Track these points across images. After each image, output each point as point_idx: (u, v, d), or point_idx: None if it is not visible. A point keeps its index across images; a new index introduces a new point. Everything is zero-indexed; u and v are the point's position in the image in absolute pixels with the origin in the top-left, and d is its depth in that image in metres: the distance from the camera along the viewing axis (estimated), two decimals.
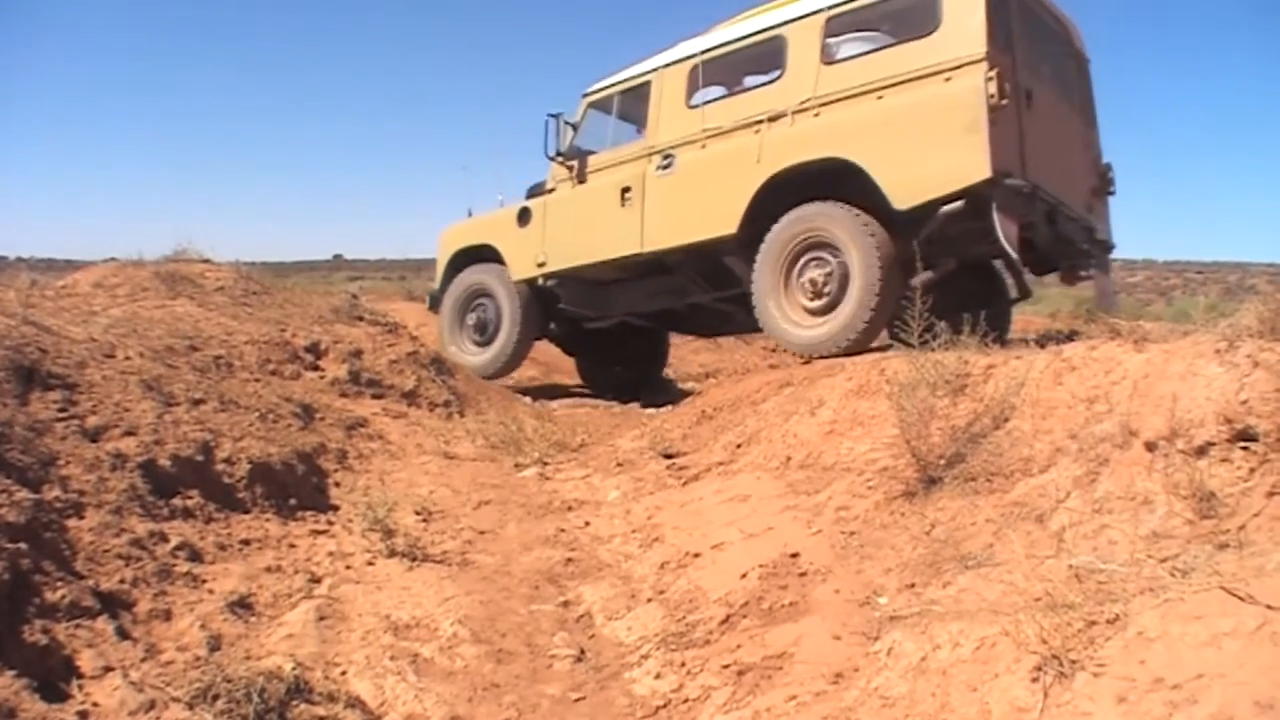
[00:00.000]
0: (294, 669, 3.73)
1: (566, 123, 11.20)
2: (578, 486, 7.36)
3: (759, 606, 4.44)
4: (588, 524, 6.40)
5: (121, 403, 5.66)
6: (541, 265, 11.18)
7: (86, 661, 3.57)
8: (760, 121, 9.23)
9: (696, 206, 9.64)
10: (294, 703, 3.58)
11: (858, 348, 8.35)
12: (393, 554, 5.50)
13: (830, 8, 9.03)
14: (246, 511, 5.65)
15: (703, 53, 10.10)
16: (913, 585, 4.18)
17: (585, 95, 11.20)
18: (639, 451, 7.91)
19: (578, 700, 4.18)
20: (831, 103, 8.80)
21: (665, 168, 9.99)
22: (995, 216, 7.76)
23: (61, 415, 5.22)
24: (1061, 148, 9.08)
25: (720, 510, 5.88)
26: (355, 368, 9.47)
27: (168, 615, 4.24)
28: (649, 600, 5.05)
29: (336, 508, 6.28)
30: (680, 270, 10.35)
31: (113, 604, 4.06)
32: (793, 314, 8.97)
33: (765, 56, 9.65)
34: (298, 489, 6.16)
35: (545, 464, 8.03)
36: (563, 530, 6.29)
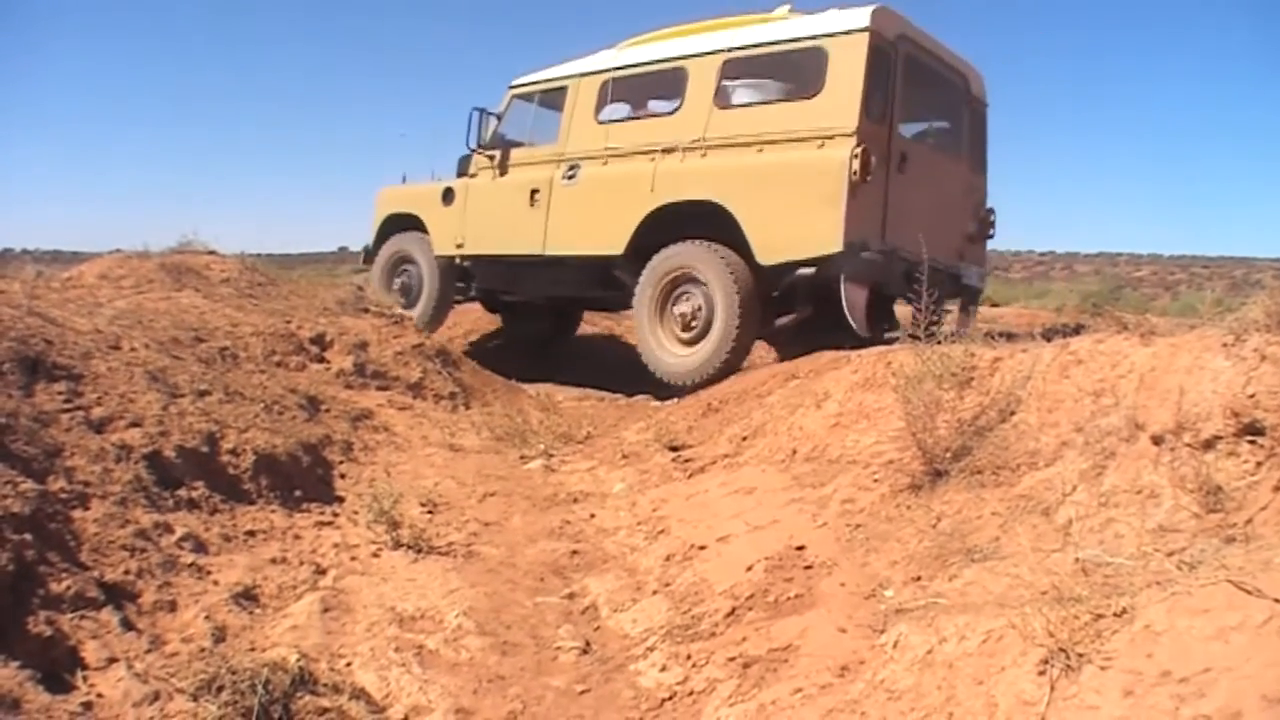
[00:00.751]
0: (299, 660, 3.73)
1: (491, 114, 11.87)
2: (583, 478, 7.36)
3: (764, 599, 4.44)
4: (593, 516, 6.40)
5: (127, 394, 5.66)
6: (460, 247, 11.94)
7: (91, 652, 3.57)
8: (656, 151, 9.91)
9: (592, 222, 10.41)
10: (299, 694, 3.57)
11: (720, 376, 9.16)
12: (398, 545, 5.50)
13: (728, 50, 9.72)
14: (252, 503, 5.66)
15: (614, 69, 10.76)
16: (919, 578, 4.17)
17: (511, 87, 11.88)
18: (644, 444, 7.91)
19: (583, 692, 4.17)
20: (718, 147, 9.49)
21: (570, 178, 10.69)
22: (843, 286, 8.58)
23: (67, 406, 5.23)
24: (934, 204, 9.67)
25: (726, 503, 5.87)
26: (360, 359, 9.48)
27: (172, 606, 4.24)
28: (654, 593, 5.04)
29: (342, 499, 6.29)
30: (578, 271, 10.96)
31: (117, 595, 4.06)
32: (667, 343, 9.83)
33: (668, 84, 10.30)
34: (303, 480, 6.16)
35: (551, 456, 8.03)
36: (568, 522, 6.29)
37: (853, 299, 8.60)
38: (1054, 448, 4.49)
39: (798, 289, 9.13)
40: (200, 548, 4.87)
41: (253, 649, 4.04)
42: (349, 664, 4.12)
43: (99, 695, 3.36)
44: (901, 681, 3.30)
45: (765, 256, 8.99)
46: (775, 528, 5.20)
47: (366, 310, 10.88)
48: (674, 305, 9.74)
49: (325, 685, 3.72)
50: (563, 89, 11.18)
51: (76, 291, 8.61)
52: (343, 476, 6.69)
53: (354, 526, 5.79)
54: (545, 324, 14.10)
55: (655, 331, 9.86)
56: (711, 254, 9.28)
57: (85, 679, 3.41)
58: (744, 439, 7.02)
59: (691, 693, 4.01)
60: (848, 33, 8.87)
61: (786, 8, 10.26)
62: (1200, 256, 56.56)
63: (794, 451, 6.29)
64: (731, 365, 9.28)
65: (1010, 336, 7.24)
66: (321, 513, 5.96)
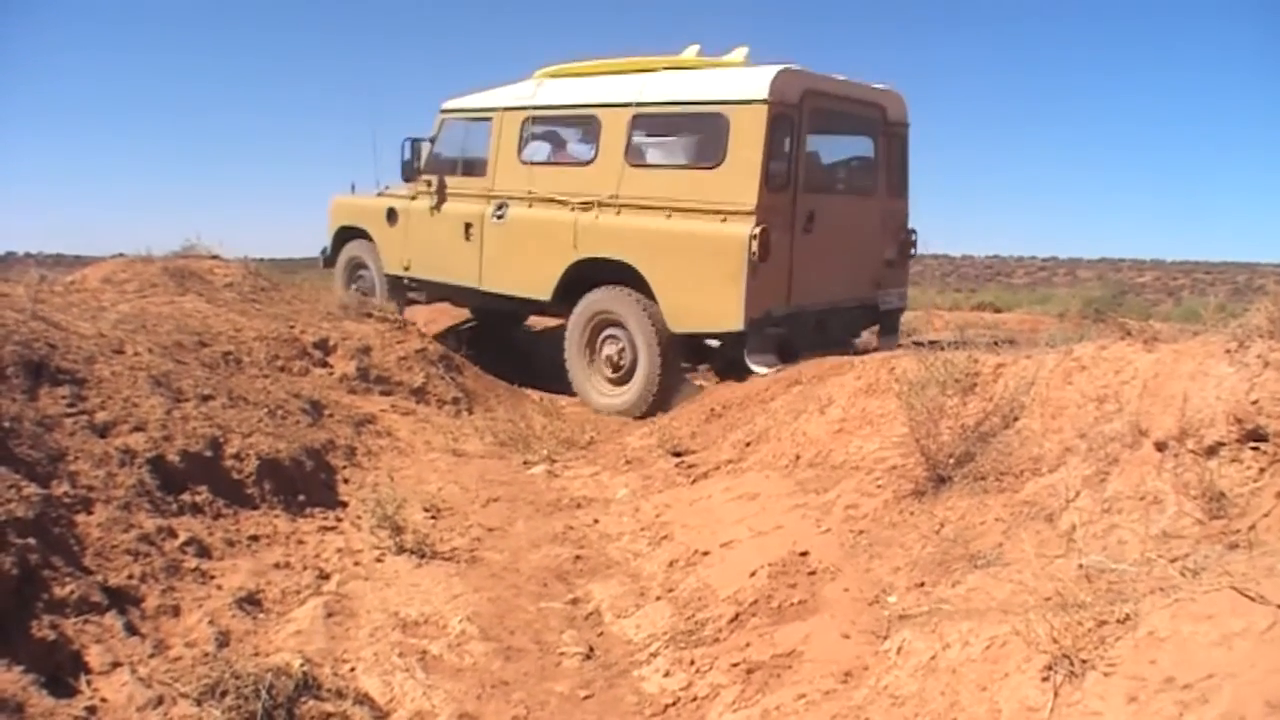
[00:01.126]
0: (302, 665, 3.73)
1: (422, 140, 12.12)
2: (586, 484, 7.35)
3: (768, 605, 4.44)
4: (596, 521, 6.40)
5: (130, 398, 5.67)
6: (407, 269, 12.30)
7: (95, 657, 3.58)
8: (575, 203, 10.17)
9: (520, 266, 10.76)
10: (302, 699, 3.58)
11: (652, 412, 9.53)
12: (401, 551, 5.50)
13: (637, 104, 9.84)
14: (255, 508, 5.66)
15: (534, 107, 10.92)
16: (922, 584, 4.17)
17: (443, 110, 12.09)
18: (648, 449, 7.91)
19: (586, 698, 4.17)
20: (631, 206, 9.72)
21: (500, 217, 10.96)
22: (748, 358, 9.00)
23: (70, 410, 5.24)
24: (846, 247, 10.05)
25: (729, 508, 5.87)
26: (364, 364, 9.48)
27: (176, 611, 4.25)
28: (658, 598, 5.04)
29: (345, 504, 6.29)
30: (514, 302, 11.35)
31: (121, 600, 4.07)
32: (599, 382, 10.28)
33: (583, 129, 10.70)
34: (306, 485, 6.17)
35: (554, 461, 8.03)
36: (571, 528, 6.29)
37: (758, 363, 8.98)
38: (1057, 454, 4.49)
39: (709, 349, 9.78)
40: (204, 552, 4.87)
41: (256, 654, 4.04)
42: (352, 669, 4.13)
43: (102, 700, 3.36)
44: (905, 687, 3.30)
45: (674, 325, 9.42)
46: (779, 533, 5.20)
47: (369, 315, 10.88)
48: (602, 347, 10.17)
49: (329, 690, 3.73)
50: (488, 118, 11.38)
51: (80, 295, 8.62)
52: (346, 481, 6.69)
53: (357, 531, 5.80)
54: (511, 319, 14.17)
55: (586, 370, 10.35)
56: (632, 302, 9.66)
57: (89, 683, 3.42)
58: (747, 444, 7.02)
59: (695, 698, 4.01)
60: (748, 101, 8.96)
61: (695, 49, 10.76)
62: (1203, 262, 56.60)
63: (797, 457, 6.29)
64: (660, 403, 9.60)
65: (1012, 342, 7.25)
66: (325, 518, 5.96)
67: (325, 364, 9.26)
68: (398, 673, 4.13)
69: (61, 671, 3.39)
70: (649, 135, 9.95)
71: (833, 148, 10.52)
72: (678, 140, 9.78)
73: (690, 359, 10.01)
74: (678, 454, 7.57)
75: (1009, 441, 4.83)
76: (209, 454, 5.67)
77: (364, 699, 3.85)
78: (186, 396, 6.11)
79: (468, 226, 11.28)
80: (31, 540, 3.79)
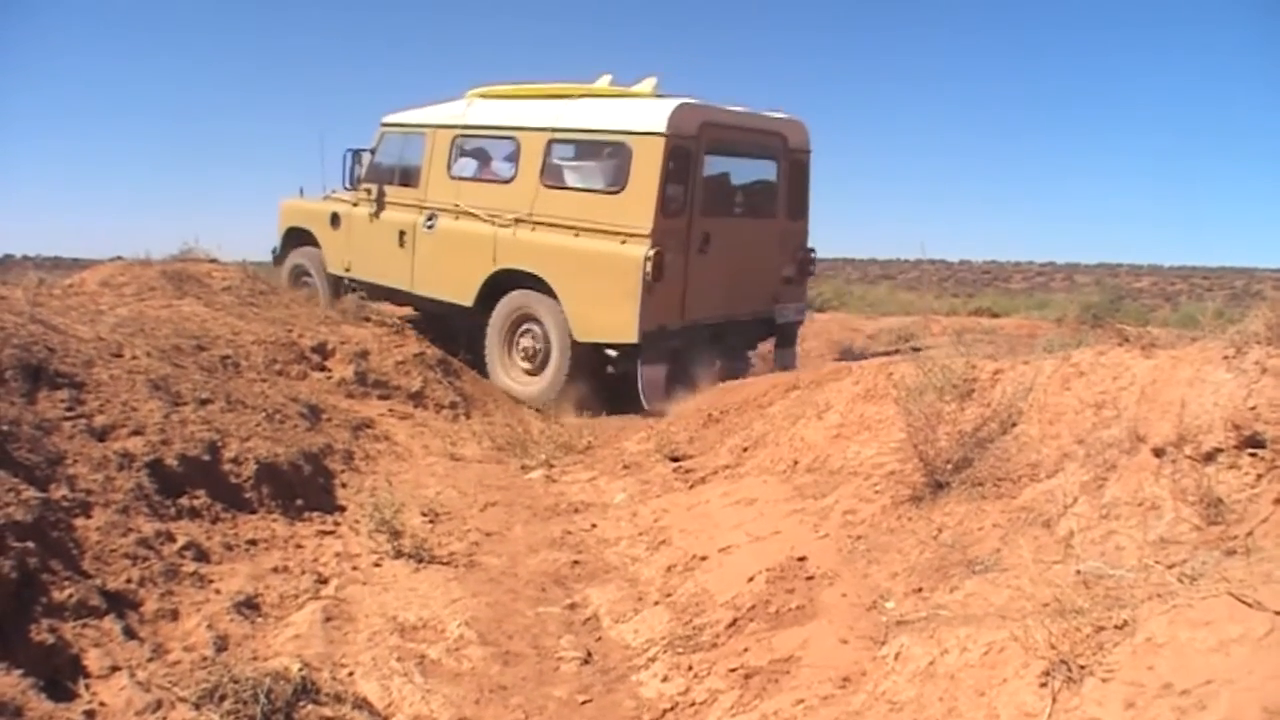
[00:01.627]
0: (301, 670, 3.73)
1: (363, 151, 13.01)
2: (584, 489, 7.36)
3: (766, 610, 4.44)
4: (594, 526, 6.40)
5: (129, 402, 5.67)
6: (348, 270, 13.03)
7: (93, 661, 3.57)
8: (496, 218, 11.09)
9: (447, 274, 11.69)
10: (301, 703, 3.58)
11: (557, 402, 10.52)
12: (399, 555, 5.51)
13: (553, 129, 10.82)
14: (253, 511, 5.66)
15: (463, 126, 11.94)
16: (920, 590, 4.18)
17: (383, 124, 12.92)
18: (646, 454, 7.91)
19: (585, 703, 4.18)
20: (544, 224, 10.66)
21: (430, 226, 11.87)
22: (640, 369, 9.94)
23: (69, 414, 5.24)
24: (743, 268, 10.93)
25: (727, 513, 5.88)
26: (362, 368, 9.48)
27: (174, 615, 4.25)
28: (656, 603, 5.05)
29: (343, 508, 6.29)
30: (442, 305, 12.04)
31: (120, 603, 4.07)
32: (514, 371, 11.17)
33: (507, 150, 11.53)
34: (305, 489, 6.17)
35: (552, 466, 8.03)
36: (569, 532, 6.29)
37: (648, 379, 9.97)
38: (1055, 459, 4.50)
39: (609, 358, 10.39)
40: (202, 556, 4.87)
41: (255, 658, 4.04)
42: (351, 673, 4.13)
43: (101, 704, 3.36)
44: (903, 693, 3.30)
45: (579, 334, 10.29)
46: (776, 539, 5.21)
47: (368, 319, 10.89)
48: (519, 340, 11.09)
49: (327, 695, 3.73)
50: (422, 134, 12.30)
51: (78, 299, 8.62)
52: (344, 485, 6.69)
53: (355, 536, 5.80)
54: None
55: (503, 361, 11.23)
56: (550, 301, 10.57)
57: (87, 687, 3.42)
58: (745, 450, 7.02)
59: (693, 703, 4.01)
60: (649, 134, 9.82)
61: (608, 79, 11.66)
62: (1200, 267, 56.63)
63: (795, 462, 6.29)
64: (569, 390, 10.54)
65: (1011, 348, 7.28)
66: (323, 522, 5.96)
67: (323, 368, 9.26)
68: (396, 677, 4.13)
69: (60, 675, 3.39)
70: (562, 159, 10.89)
71: (734, 173, 11.49)
72: (587, 165, 10.69)
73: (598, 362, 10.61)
74: (675, 459, 7.58)
75: (1007, 447, 4.84)
76: (207, 458, 5.67)
77: (362, 703, 3.85)
78: (185, 400, 6.11)
79: (401, 234, 12.17)
80: (30, 544, 3.79)
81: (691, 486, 6.76)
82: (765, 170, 11.51)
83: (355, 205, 12.93)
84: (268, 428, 6.51)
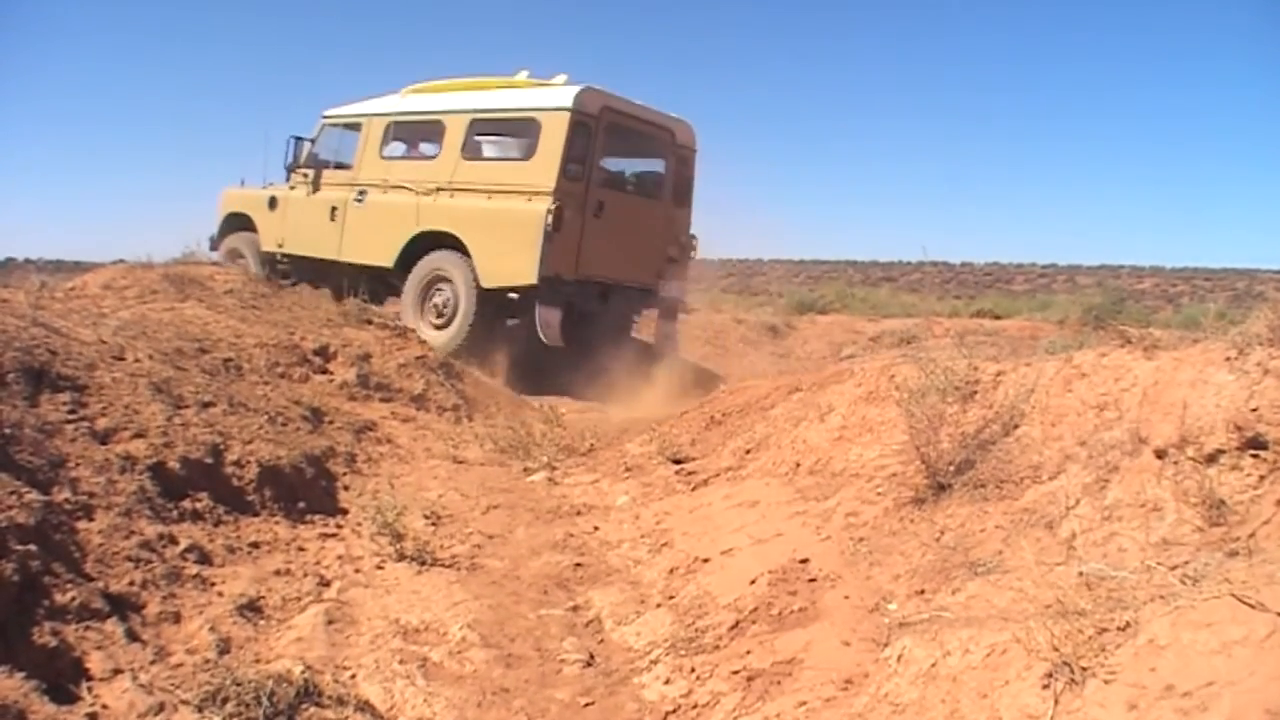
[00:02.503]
0: (303, 672, 3.73)
1: (305, 139, 14.69)
2: (586, 491, 7.36)
3: (768, 612, 4.44)
4: (597, 529, 6.40)
5: (131, 405, 5.67)
6: (280, 246, 14.67)
7: (96, 663, 3.57)
8: (420, 189, 12.88)
9: (372, 240, 13.32)
10: (303, 706, 3.58)
11: (461, 350, 11.95)
12: (402, 558, 5.51)
13: (475, 111, 12.79)
14: (256, 514, 5.66)
15: (395, 115, 13.84)
16: (922, 591, 4.17)
17: (324, 116, 14.69)
18: (648, 456, 7.91)
19: (587, 705, 4.17)
20: (462, 190, 12.52)
21: (359, 201, 13.60)
22: (538, 309, 11.61)
23: (71, 417, 5.24)
24: (632, 239, 12.67)
25: (729, 516, 5.88)
26: (364, 371, 9.50)
27: (177, 618, 4.25)
28: (658, 605, 5.05)
29: (345, 511, 6.29)
30: (364, 272, 13.27)
31: (122, 606, 4.07)
32: (425, 325, 12.51)
33: (432, 132, 13.33)
34: (307, 492, 6.17)
35: (554, 468, 8.04)
36: (572, 535, 6.29)
37: (545, 318, 11.61)
38: (1057, 461, 4.49)
39: (514, 304, 12.10)
40: (204, 559, 4.88)
41: (257, 661, 4.04)
42: (353, 676, 4.13)
43: (104, 706, 3.36)
44: (905, 695, 3.30)
45: (486, 281, 11.98)
46: (779, 541, 5.21)
47: (369, 322, 10.91)
48: (431, 298, 12.67)
49: (330, 698, 3.73)
50: (359, 124, 14.11)
51: (80, 301, 8.62)
52: (346, 488, 6.69)
53: (358, 538, 5.80)
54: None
55: (418, 316, 12.61)
56: (459, 260, 12.25)
57: (90, 690, 3.42)
58: (747, 452, 7.02)
59: (695, 706, 4.01)
60: (556, 109, 11.89)
61: (525, 73, 13.28)
62: (1202, 268, 56.47)
63: (797, 465, 6.29)
64: (470, 342, 12.14)
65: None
66: (325, 524, 5.96)
67: (325, 371, 9.28)
68: (398, 680, 4.13)
69: (63, 678, 3.39)
70: (481, 135, 12.76)
71: (629, 156, 13.65)
72: (503, 139, 12.59)
73: (501, 316, 12.40)
74: (678, 461, 7.58)
75: (1009, 449, 4.84)
76: (210, 461, 5.67)
77: (365, 706, 3.85)
78: (187, 403, 6.11)
79: (333, 209, 13.83)
80: (32, 547, 3.79)
81: (694, 489, 6.76)
82: (656, 157, 13.57)
83: (292, 189, 14.74)
84: (270, 430, 6.52)
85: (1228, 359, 3.92)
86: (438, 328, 12.48)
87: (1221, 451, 3.62)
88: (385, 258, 13.04)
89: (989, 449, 4.93)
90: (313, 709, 3.61)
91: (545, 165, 11.71)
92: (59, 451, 4.81)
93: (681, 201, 13.62)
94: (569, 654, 4.61)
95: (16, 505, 3.96)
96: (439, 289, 12.57)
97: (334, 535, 5.84)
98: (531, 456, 8.26)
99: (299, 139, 14.65)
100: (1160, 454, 3.88)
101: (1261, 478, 3.44)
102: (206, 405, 6.25)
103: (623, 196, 12.99)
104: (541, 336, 11.69)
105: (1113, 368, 4.72)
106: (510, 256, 11.68)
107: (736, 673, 4.06)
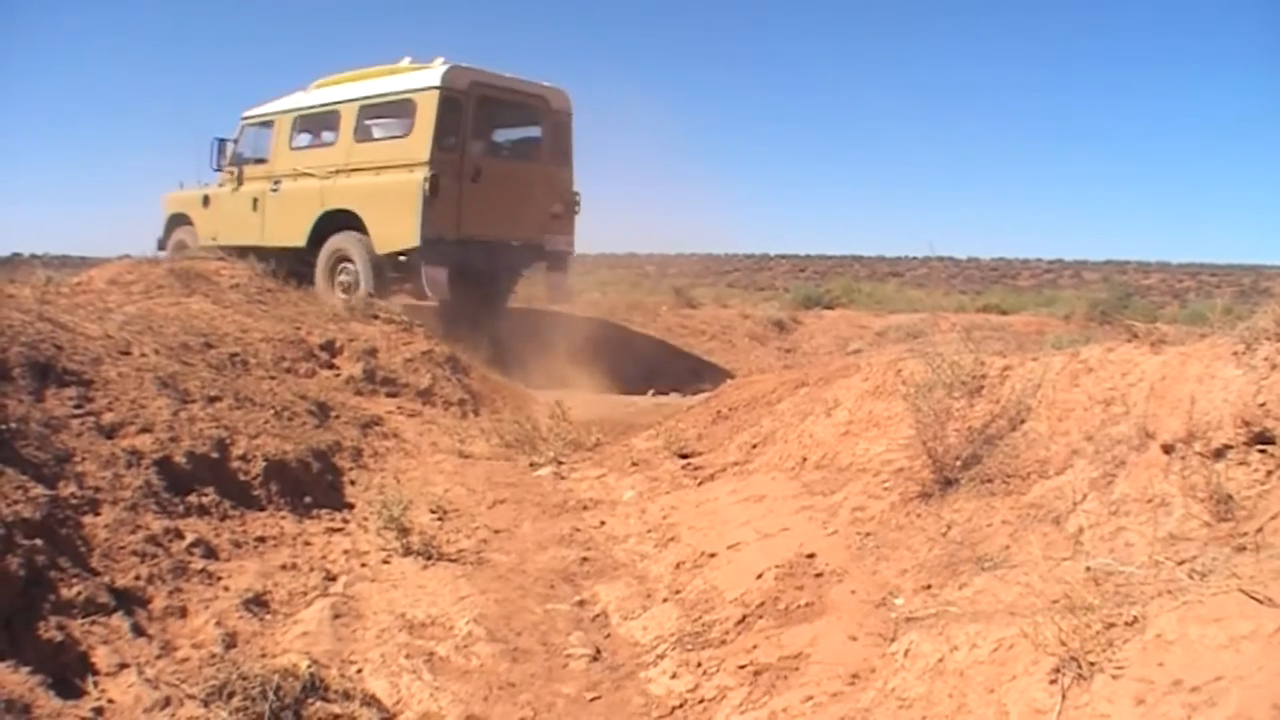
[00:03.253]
0: (309, 667, 3.73)
1: (227, 140, 15.88)
2: (593, 486, 7.36)
3: (775, 607, 4.43)
4: (603, 523, 6.40)
5: (137, 399, 5.67)
6: (215, 239, 15.30)
7: (102, 658, 3.58)
8: (323, 173, 13.96)
9: (287, 224, 14.42)
10: (309, 700, 3.58)
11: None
12: (408, 552, 5.50)
13: (364, 98, 13.98)
14: (262, 509, 5.67)
15: (301, 109, 15.04)
16: (929, 586, 4.17)
17: (243, 117, 15.93)
18: (654, 451, 7.91)
19: (593, 700, 4.17)
20: (356, 170, 13.64)
21: (275, 190, 14.74)
22: (422, 269, 12.63)
23: (77, 411, 5.24)
24: (513, 200, 13.71)
25: (736, 510, 5.87)
26: (370, 366, 9.51)
27: (183, 612, 4.25)
28: (665, 600, 5.04)
29: (352, 505, 6.30)
30: (284, 254, 13.94)
31: (128, 601, 4.07)
32: (335, 295, 13.14)
33: (331, 121, 14.47)
34: (313, 486, 6.17)
35: (560, 463, 8.03)
36: (578, 529, 6.29)
37: (431, 276, 12.62)
38: (1064, 456, 4.48)
39: (404, 267, 13.02)
40: (211, 553, 4.88)
41: (263, 655, 4.04)
42: (360, 670, 4.13)
43: (110, 701, 3.36)
44: (913, 689, 3.29)
45: (379, 248, 13.10)
46: (785, 535, 5.20)
47: (376, 317, 10.92)
48: (337, 276, 13.61)
49: (336, 692, 3.73)
50: (271, 121, 15.34)
51: (86, 297, 8.64)
52: (352, 483, 6.70)
53: (364, 533, 5.80)
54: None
55: (327, 292, 13.33)
56: (357, 242, 13.33)
57: (96, 684, 3.42)
58: (754, 446, 7.02)
59: (702, 700, 4.00)
60: (427, 89, 13.02)
61: (407, 60, 14.26)
62: (1209, 264, 56.29)
63: (804, 459, 6.29)
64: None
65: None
66: (332, 519, 5.97)
67: (332, 365, 9.29)
68: (405, 674, 4.13)
69: (69, 672, 3.39)
70: (370, 119, 13.88)
71: (505, 124, 14.84)
72: (387, 121, 13.71)
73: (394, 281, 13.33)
74: (684, 456, 7.58)
75: (1016, 444, 4.83)
76: (216, 455, 5.67)
77: (371, 700, 3.85)
78: (193, 398, 6.12)
79: (255, 200, 14.97)
80: (39, 541, 3.80)
81: (700, 483, 6.76)
82: (532, 124, 14.70)
83: (221, 186, 15.96)
84: (276, 425, 6.52)
85: (1235, 354, 3.91)
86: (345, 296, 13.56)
87: (1229, 446, 3.61)
88: (299, 238, 14.10)
89: (995, 444, 4.92)
90: (319, 703, 3.61)
91: (421, 139, 12.86)
92: (65, 446, 4.81)
93: (561, 162, 14.73)
94: (575, 648, 4.61)
95: (23, 500, 3.96)
96: (343, 268, 13.63)
97: (340, 530, 5.84)
98: (538, 451, 8.26)
99: (222, 141, 15.93)
100: (1167, 449, 3.87)
101: (1269, 473, 3.43)
102: (212, 400, 6.26)
103: (501, 162, 14.36)
104: (429, 293, 12.88)
105: (1119, 363, 4.71)
106: (396, 224, 12.84)
107: (743, 667, 4.05)
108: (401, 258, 12.97)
